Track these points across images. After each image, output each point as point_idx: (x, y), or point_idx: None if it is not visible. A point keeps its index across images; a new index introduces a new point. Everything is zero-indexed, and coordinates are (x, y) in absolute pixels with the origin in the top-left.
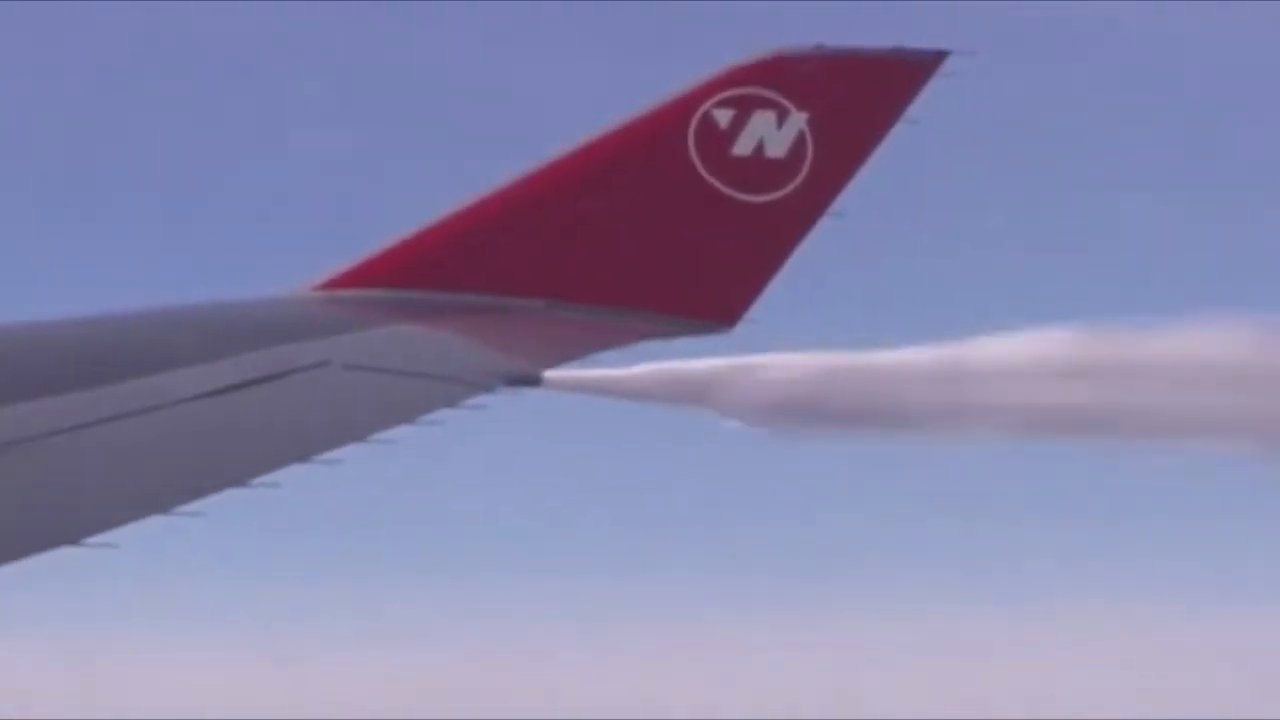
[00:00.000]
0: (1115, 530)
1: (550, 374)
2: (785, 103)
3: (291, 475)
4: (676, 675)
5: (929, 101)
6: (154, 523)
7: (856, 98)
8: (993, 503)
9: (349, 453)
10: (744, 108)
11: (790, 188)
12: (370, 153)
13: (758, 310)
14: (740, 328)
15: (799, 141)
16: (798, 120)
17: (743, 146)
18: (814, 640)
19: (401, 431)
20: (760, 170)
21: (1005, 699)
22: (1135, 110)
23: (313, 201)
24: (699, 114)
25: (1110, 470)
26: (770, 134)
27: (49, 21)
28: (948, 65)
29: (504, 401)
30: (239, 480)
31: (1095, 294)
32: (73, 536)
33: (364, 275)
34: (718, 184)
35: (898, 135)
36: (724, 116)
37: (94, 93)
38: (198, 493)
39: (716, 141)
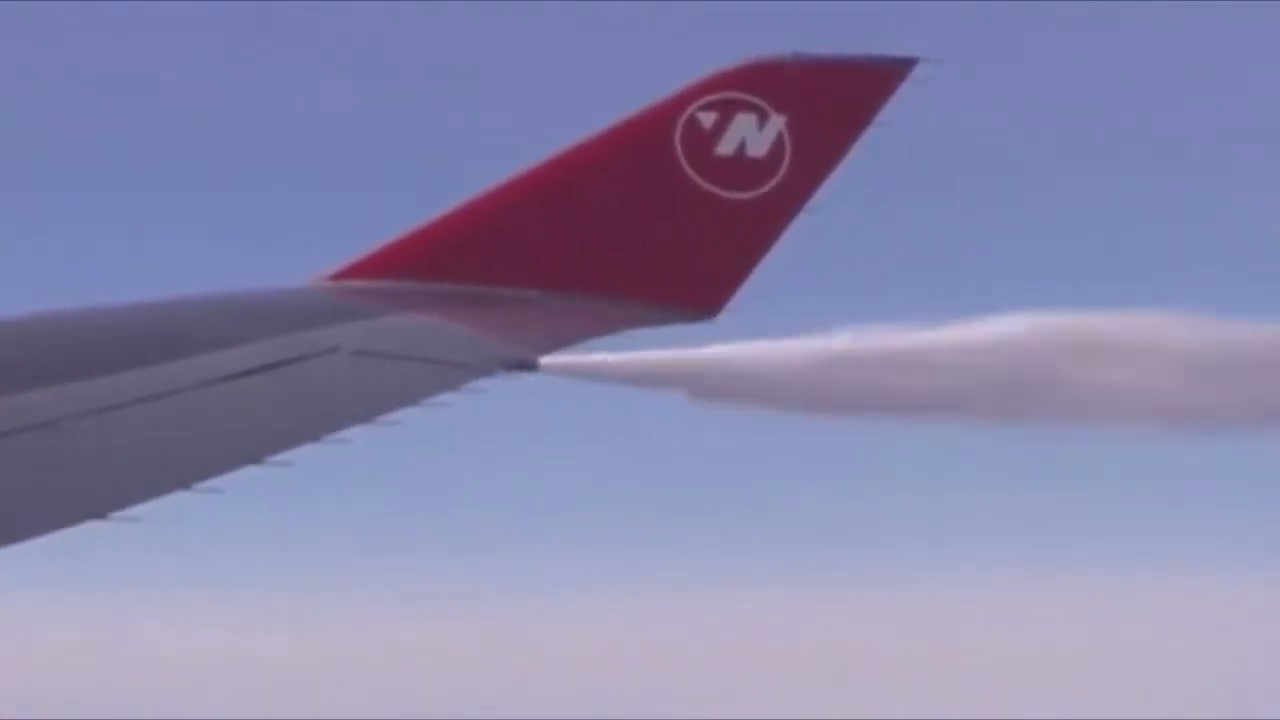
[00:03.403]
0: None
1: (546, 359)
2: (765, 106)
3: (304, 454)
4: (664, 650)
5: (900, 104)
6: (176, 498)
7: (832, 101)
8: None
9: (358, 433)
10: (726, 110)
11: (770, 185)
12: (374, 153)
13: (739, 300)
14: (723, 316)
15: (778, 142)
16: (777, 122)
17: (725, 147)
18: (806, 618)
19: (407, 413)
20: (742, 169)
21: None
22: (1093, 107)
23: (323, 198)
24: (684, 116)
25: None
26: (751, 135)
27: (56, 18)
28: (917, 71)
29: (502, 385)
30: (255, 459)
31: (1062, 286)
32: (99, 511)
33: (371, 267)
34: (702, 182)
35: (870, 136)
36: (708, 118)
37: (112, 90)
38: (217, 470)
39: (701, 142)
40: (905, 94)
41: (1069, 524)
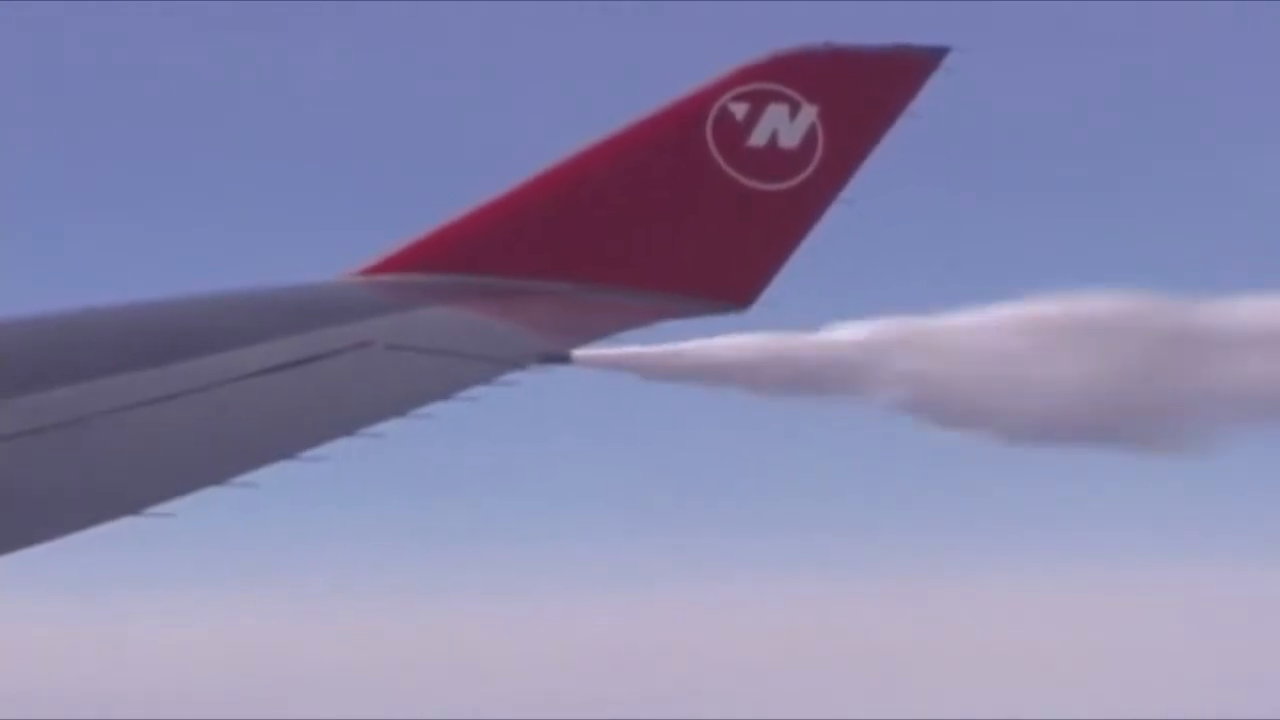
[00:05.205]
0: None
1: (579, 352)
2: (797, 97)
3: (339, 448)
4: (692, 637)
5: (932, 94)
6: (210, 494)
7: (864, 91)
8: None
9: (392, 427)
10: (759, 101)
11: (802, 176)
12: (407, 148)
13: (772, 291)
14: (756, 307)
15: (810, 133)
16: (809, 113)
17: (758, 138)
18: (829, 602)
19: (440, 407)
20: (774, 160)
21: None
22: (1124, 102)
23: (356, 193)
24: (716, 107)
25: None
26: (783, 126)
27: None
28: (948, 61)
29: (535, 378)
30: (290, 453)
31: (1096, 275)
32: (134, 507)
33: (404, 262)
34: (735, 173)
35: (902, 127)
36: (740, 110)
37: (148, 89)
38: (251, 465)
39: (733, 133)
40: (937, 84)
41: (1072, 517)
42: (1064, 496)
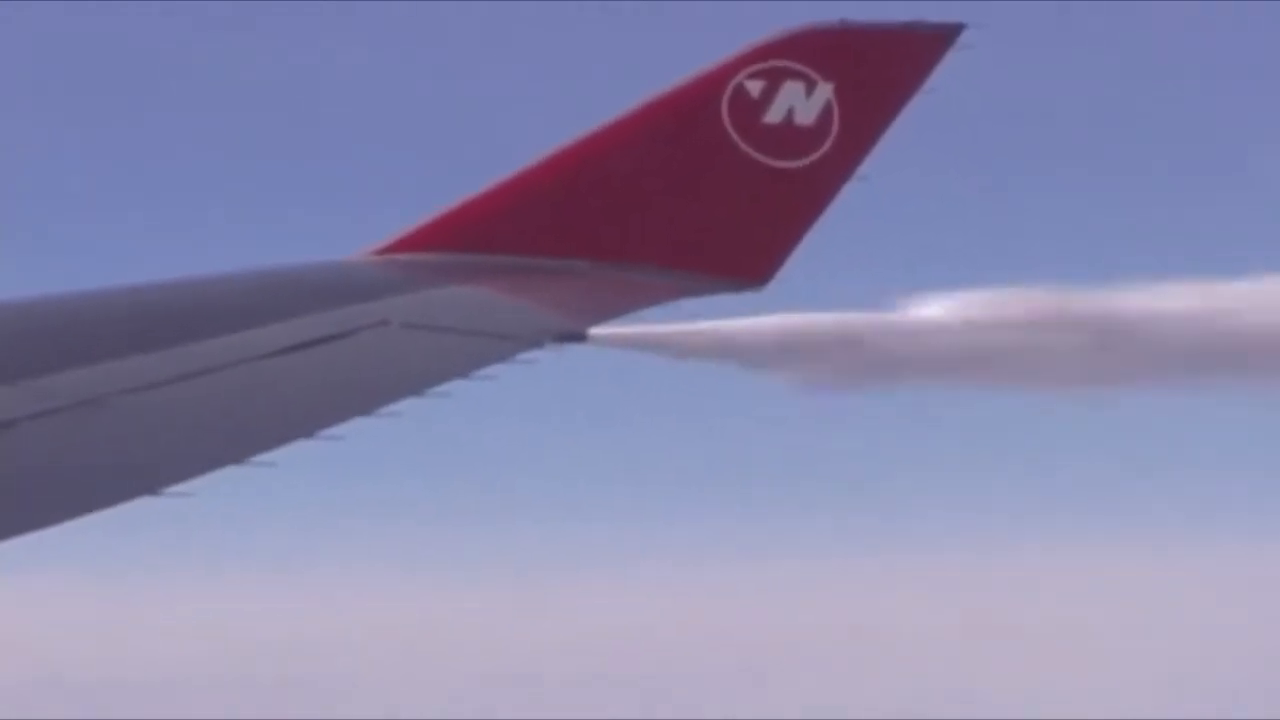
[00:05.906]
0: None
1: (595, 330)
2: (813, 74)
3: (356, 427)
4: (703, 623)
5: (947, 71)
6: (229, 473)
7: (880, 68)
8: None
9: (408, 406)
10: (774, 79)
11: (818, 154)
12: (423, 127)
13: (789, 269)
14: (772, 285)
15: (826, 110)
16: (825, 90)
17: (774, 115)
18: (842, 583)
19: (457, 385)
20: (790, 137)
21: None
22: (1139, 81)
23: (372, 171)
24: (732, 85)
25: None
26: (799, 103)
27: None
28: (964, 38)
29: (551, 357)
30: (307, 432)
31: (1104, 254)
32: (153, 487)
33: (421, 240)
34: (751, 150)
35: (918, 103)
36: (756, 87)
37: (157, 69)
38: (269, 444)
39: (749, 110)
40: (953, 60)
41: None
42: (1061, 490)
